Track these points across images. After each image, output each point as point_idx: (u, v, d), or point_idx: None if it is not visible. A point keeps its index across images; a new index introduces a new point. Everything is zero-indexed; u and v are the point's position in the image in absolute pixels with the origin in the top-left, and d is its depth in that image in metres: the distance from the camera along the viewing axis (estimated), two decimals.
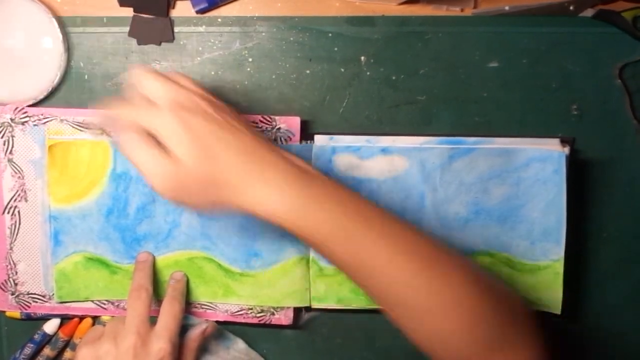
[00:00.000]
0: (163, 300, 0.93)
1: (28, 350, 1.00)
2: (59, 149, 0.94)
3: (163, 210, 0.96)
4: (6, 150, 0.95)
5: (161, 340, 0.88)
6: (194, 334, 0.96)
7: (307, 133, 0.97)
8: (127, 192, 0.95)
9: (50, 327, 1.00)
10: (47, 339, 1.01)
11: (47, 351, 1.01)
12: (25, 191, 0.96)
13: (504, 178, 0.96)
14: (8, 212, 0.96)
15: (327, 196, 0.77)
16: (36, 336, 1.00)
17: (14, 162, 0.95)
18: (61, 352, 1.02)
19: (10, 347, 1.02)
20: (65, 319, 1.01)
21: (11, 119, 0.94)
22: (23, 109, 0.94)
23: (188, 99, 0.76)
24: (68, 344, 1.01)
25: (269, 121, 0.94)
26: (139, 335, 0.87)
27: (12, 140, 0.95)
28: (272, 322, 1.00)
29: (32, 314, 1.00)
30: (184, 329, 0.93)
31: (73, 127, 0.94)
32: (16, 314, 1.00)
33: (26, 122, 0.94)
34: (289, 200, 0.75)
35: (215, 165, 0.75)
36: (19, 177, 0.95)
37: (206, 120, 0.75)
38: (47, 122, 0.94)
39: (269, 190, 0.75)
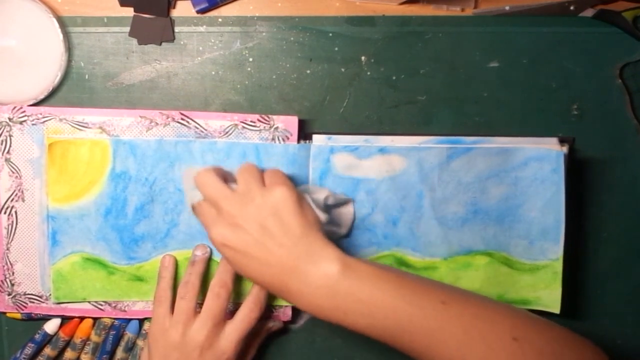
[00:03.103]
0: (246, 298, 0.92)
1: (29, 350, 0.97)
2: (59, 148, 0.92)
3: (161, 210, 0.94)
4: (3, 150, 0.92)
5: (229, 344, 0.88)
6: (260, 331, 0.97)
7: (306, 133, 0.95)
8: (126, 192, 0.93)
9: (50, 326, 0.98)
10: (48, 339, 0.98)
11: (48, 351, 0.98)
12: (22, 191, 0.93)
13: (502, 177, 0.94)
14: (5, 212, 0.94)
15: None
16: (37, 336, 0.97)
17: (12, 162, 0.93)
18: (62, 351, 0.99)
19: (11, 346, 1.00)
20: (65, 318, 0.99)
21: (9, 118, 0.92)
22: (21, 108, 0.92)
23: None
24: (69, 343, 0.98)
25: (266, 120, 0.93)
26: (208, 337, 0.88)
27: (10, 139, 0.92)
28: None
29: (33, 314, 0.97)
30: None
31: (72, 126, 0.92)
32: (17, 314, 0.97)
33: (24, 121, 0.92)
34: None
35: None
36: (17, 176, 0.93)
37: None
38: (46, 121, 0.92)
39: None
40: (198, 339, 0.87)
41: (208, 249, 0.95)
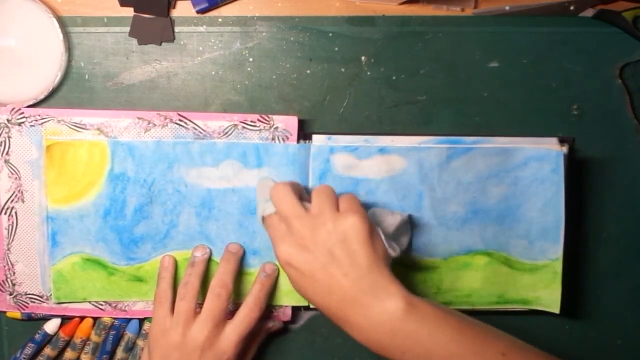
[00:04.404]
0: (246, 299, 0.91)
1: (29, 350, 0.97)
2: (57, 149, 0.91)
3: (160, 211, 0.93)
4: (2, 151, 0.92)
5: (229, 344, 0.88)
6: (260, 331, 0.96)
7: (306, 133, 0.94)
8: (125, 193, 0.92)
9: (51, 326, 0.97)
10: (48, 339, 0.98)
11: (48, 351, 0.98)
12: (22, 192, 0.93)
13: (502, 177, 0.93)
14: (5, 213, 0.93)
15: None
16: (37, 336, 0.97)
17: (11, 163, 0.92)
18: (62, 351, 0.98)
19: (11, 346, 0.99)
20: (65, 318, 0.98)
21: (7, 120, 0.91)
22: (19, 109, 0.91)
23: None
24: (69, 343, 0.98)
25: (266, 120, 0.92)
26: (209, 338, 0.87)
27: (9, 141, 0.91)
28: None
29: (33, 314, 0.97)
30: None
31: (70, 127, 0.91)
32: (17, 314, 0.97)
33: (23, 122, 0.91)
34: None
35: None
36: (16, 178, 0.92)
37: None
38: (44, 122, 0.91)
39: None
40: (198, 340, 0.87)
41: (207, 250, 0.94)
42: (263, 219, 0.87)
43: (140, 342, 0.98)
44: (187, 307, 0.88)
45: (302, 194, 0.87)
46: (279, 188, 0.84)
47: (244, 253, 0.95)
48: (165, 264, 0.94)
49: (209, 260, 0.94)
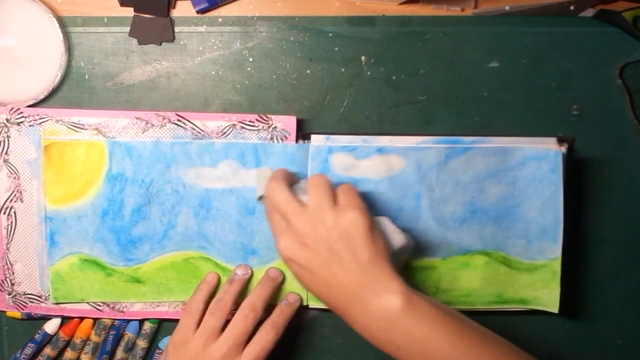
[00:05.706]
0: (266, 320, 0.91)
1: (29, 350, 0.97)
2: (55, 149, 0.91)
3: (158, 211, 0.93)
4: (2, 151, 0.92)
5: None
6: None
7: (305, 133, 0.94)
8: (123, 194, 0.92)
9: (50, 326, 0.97)
10: (48, 339, 0.98)
11: (48, 351, 0.98)
12: (21, 192, 0.93)
13: (500, 177, 0.93)
14: (4, 213, 0.93)
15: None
16: (37, 336, 0.97)
17: (10, 163, 0.92)
18: (62, 351, 0.98)
19: (11, 346, 0.99)
20: (65, 318, 0.98)
21: (7, 120, 0.91)
22: (19, 109, 0.91)
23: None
24: (69, 343, 0.98)
25: (265, 120, 0.91)
26: (225, 355, 0.86)
27: (8, 140, 0.91)
28: None
29: (33, 314, 0.97)
30: None
31: (69, 127, 0.91)
32: (17, 313, 0.97)
33: (22, 122, 0.91)
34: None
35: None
36: (15, 177, 0.92)
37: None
38: (43, 122, 0.91)
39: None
40: (215, 356, 0.86)
41: (249, 271, 0.94)
42: (260, 197, 0.89)
43: (140, 342, 0.98)
44: (215, 323, 0.88)
45: (294, 180, 0.88)
46: (274, 186, 0.84)
47: (283, 278, 0.95)
48: (209, 278, 0.94)
49: (203, 259, 0.95)
